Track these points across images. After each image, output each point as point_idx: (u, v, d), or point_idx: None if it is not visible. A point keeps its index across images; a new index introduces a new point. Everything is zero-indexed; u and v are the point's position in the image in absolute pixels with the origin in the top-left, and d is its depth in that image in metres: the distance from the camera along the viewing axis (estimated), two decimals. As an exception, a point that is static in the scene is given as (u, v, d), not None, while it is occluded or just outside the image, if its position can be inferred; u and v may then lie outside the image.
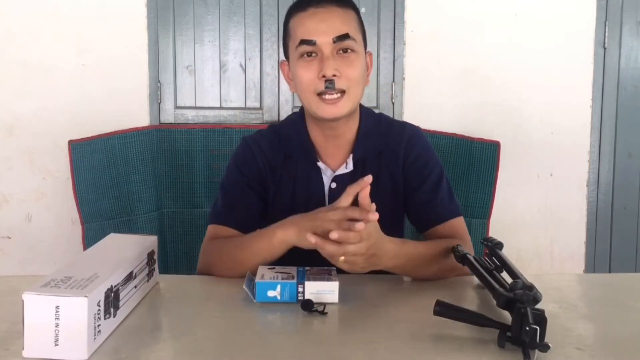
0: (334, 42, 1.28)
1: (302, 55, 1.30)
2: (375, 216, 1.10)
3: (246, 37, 2.79)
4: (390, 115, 2.78)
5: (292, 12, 1.35)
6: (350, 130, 1.39)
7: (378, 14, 2.81)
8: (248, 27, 2.78)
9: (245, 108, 2.82)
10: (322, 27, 1.28)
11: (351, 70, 1.29)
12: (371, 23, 2.79)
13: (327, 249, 1.10)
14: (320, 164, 1.39)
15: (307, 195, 1.39)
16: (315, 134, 1.40)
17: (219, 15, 2.77)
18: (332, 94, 1.28)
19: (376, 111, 1.63)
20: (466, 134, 2.68)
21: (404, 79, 2.83)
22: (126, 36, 2.72)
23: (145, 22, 2.73)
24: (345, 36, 1.28)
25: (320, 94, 1.29)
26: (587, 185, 2.94)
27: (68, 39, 2.70)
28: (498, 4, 2.83)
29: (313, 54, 1.29)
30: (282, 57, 1.44)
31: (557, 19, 2.85)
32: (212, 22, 2.78)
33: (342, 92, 1.29)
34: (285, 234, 1.22)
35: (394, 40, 2.82)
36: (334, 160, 1.40)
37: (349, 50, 1.30)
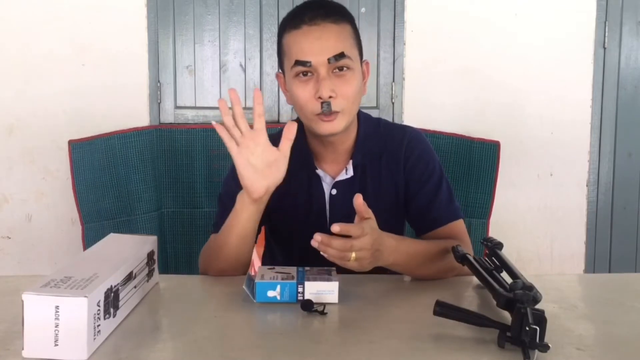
0: (329, 62, 1.27)
1: (297, 75, 1.30)
2: (360, 200, 1.14)
3: (246, 37, 2.79)
4: (390, 115, 2.78)
5: (285, 27, 1.33)
6: (349, 137, 1.39)
7: (378, 14, 2.80)
8: (248, 27, 2.78)
9: (245, 108, 2.78)
10: (317, 46, 1.27)
11: (347, 89, 1.29)
12: (371, 23, 2.79)
13: (334, 244, 1.09)
14: (319, 171, 1.39)
15: (308, 202, 1.39)
16: (314, 143, 1.40)
17: (219, 15, 2.77)
18: (329, 116, 1.28)
19: (377, 112, 1.64)
20: (466, 134, 2.68)
21: (404, 79, 2.83)
22: (126, 36, 2.72)
23: (145, 22, 2.73)
24: (341, 55, 1.27)
25: (317, 114, 1.29)
26: (587, 185, 2.94)
27: (68, 39, 2.70)
28: (498, 4, 2.83)
29: (309, 74, 1.29)
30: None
31: (557, 19, 2.85)
32: (212, 22, 2.78)
33: (338, 112, 1.29)
34: (241, 196, 1.23)
35: (394, 40, 2.82)
36: (334, 167, 1.40)
37: (345, 69, 1.29)
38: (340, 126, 1.30)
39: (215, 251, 1.30)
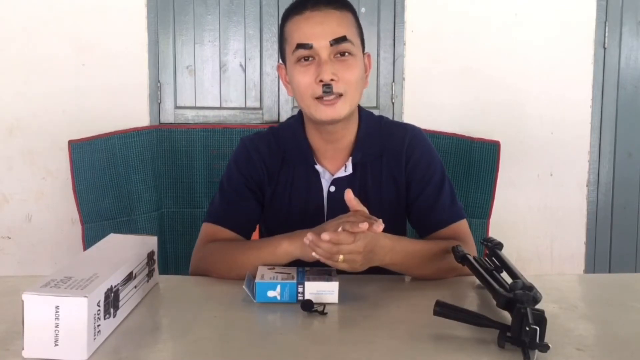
0: (331, 45, 1.26)
1: (299, 60, 1.29)
2: (380, 227, 1.10)
3: (246, 37, 2.79)
4: (390, 115, 2.79)
5: (287, 15, 1.33)
6: (349, 133, 1.38)
7: (378, 14, 2.80)
8: (248, 27, 2.79)
9: (245, 108, 2.82)
10: (319, 30, 1.27)
11: (349, 74, 1.28)
12: (371, 23, 2.79)
13: (322, 247, 1.10)
14: (318, 167, 1.38)
15: (306, 199, 1.38)
16: (314, 138, 1.39)
17: (219, 15, 2.77)
18: (330, 96, 1.27)
19: (376, 112, 1.63)
20: (466, 134, 2.68)
21: (404, 79, 2.83)
22: (126, 36, 2.72)
23: (145, 22, 2.73)
24: (343, 39, 1.27)
25: (318, 98, 1.28)
26: (587, 185, 2.94)
27: (68, 39, 2.70)
28: (498, 4, 2.83)
29: (310, 58, 1.28)
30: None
31: (557, 19, 2.85)
32: (212, 22, 2.78)
33: (340, 95, 1.28)
34: (291, 246, 1.22)
35: (394, 40, 2.82)
36: (333, 164, 1.39)
37: (347, 54, 1.28)
38: (341, 111, 1.29)
39: (228, 264, 1.27)
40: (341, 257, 1.11)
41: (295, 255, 1.22)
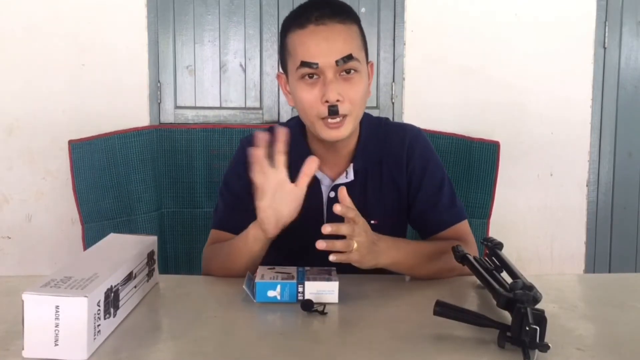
0: (337, 64, 1.24)
1: (303, 77, 1.27)
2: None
3: (246, 37, 2.79)
4: (390, 116, 2.78)
5: (290, 27, 1.30)
6: (351, 141, 1.37)
7: (378, 14, 2.80)
8: (248, 27, 2.78)
9: (245, 108, 2.82)
10: (324, 47, 1.24)
11: (354, 92, 1.27)
12: (371, 23, 2.79)
13: (342, 230, 1.11)
14: (318, 173, 1.37)
15: (305, 204, 1.38)
16: (315, 145, 1.38)
17: (219, 15, 2.77)
18: (335, 118, 1.26)
19: (376, 112, 1.63)
20: (466, 134, 2.68)
21: (404, 79, 2.83)
22: (126, 36, 2.72)
23: (145, 22, 2.73)
24: (349, 57, 1.25)
25: (323, 118, 1.27)
26: (587, 185, 2.94)
27: (68, 39, 2.70)
28: (498, 4, 2.83)
29: (315, 76, 1.26)
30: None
31: (557, 19, 2.85)
32: (212, 22, 2.78)
33: (345, 115, 1.27)
34: (254, 229, 1.23)
35: (394, 40, 2.82)
36: (333, 170, 1.38)
37: (352, 71, 1.27)
38: (346, 132, 1.29)
39: (223, 263, 1.30)
40: (355, 245, 1.11)
41: (262, 237, 1.23)
